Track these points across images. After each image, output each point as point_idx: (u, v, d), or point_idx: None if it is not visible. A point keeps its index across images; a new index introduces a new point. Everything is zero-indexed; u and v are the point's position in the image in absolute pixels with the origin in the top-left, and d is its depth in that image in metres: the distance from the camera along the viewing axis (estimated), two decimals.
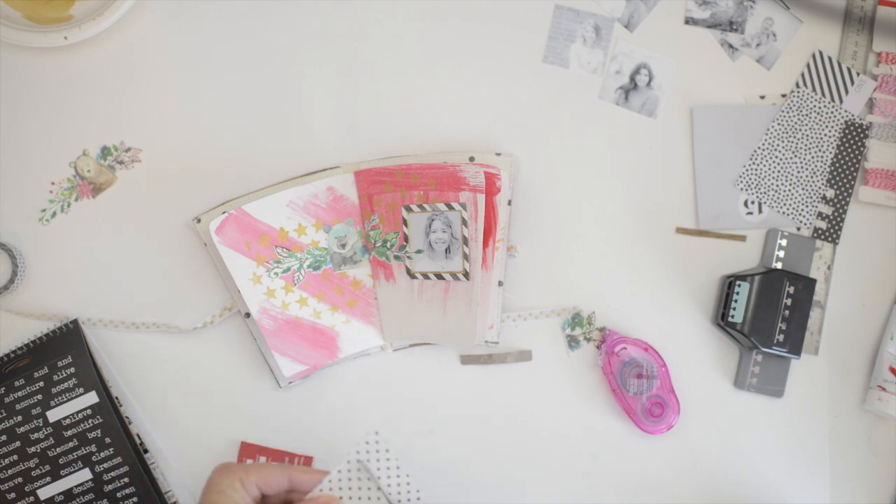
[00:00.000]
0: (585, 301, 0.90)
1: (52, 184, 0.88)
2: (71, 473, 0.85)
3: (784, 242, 0.89)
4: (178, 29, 0.89)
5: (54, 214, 0.88)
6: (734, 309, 0.86)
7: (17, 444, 0.85)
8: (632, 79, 0.90)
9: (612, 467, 0.88)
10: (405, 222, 0.86)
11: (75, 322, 0.86)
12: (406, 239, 0.87)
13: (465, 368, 0.89)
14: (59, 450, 0.85)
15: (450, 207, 0.85)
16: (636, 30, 0.91)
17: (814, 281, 0.88)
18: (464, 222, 0.85)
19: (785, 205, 0.90)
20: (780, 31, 0.91)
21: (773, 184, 0.90)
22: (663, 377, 0.87)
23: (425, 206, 0.86)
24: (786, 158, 0.90)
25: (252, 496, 0.67)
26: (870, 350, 0.91)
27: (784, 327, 0.86)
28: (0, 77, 0.88)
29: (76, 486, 0.85)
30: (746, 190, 0.90)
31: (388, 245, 0.87)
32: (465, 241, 0.85)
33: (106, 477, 0.85)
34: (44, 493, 0.85)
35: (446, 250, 0.86)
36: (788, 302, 0.86)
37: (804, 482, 0.90)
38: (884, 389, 0.88)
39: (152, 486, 0.85)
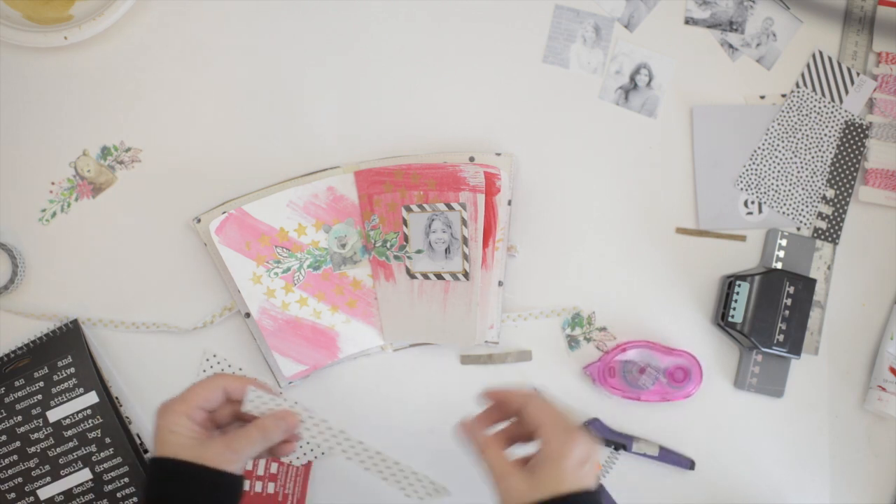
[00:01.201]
0: (585, 301, 0.90)
1: (52, 184, 0.88)
2: (71, 473, 0.85)
3: (784, 242, 0.89)
4: (177, 29, 0.89)
5: (54, 214, 0.88)
6: (734, 309, 0.86)
7: (17, 444, 0.85)
8: (632, 79, 0.90)
9: (613, 466, 0.88)
10: (405, 222, 0.86)
11: (75, 322, 0.86)
12: (406, 239, 0.87)
13: (465, 368, 0.89)
14: (59, 450, 0.85)
15: (449, 207, 0.85)
16: (636, 30, 0.91)
17: (814, 281, 0.88)
18: (463, 222, 0.85)
19: (785, 205, 0.90)
20: (780, 31, 0.91)
21: (773, 184, 0.90)
22: (661, 353, 0.87)
23: (425, 206, 0.86)
24: (786, 158, 0.90)
25: (198, 421, 0.69)
26: (870, 350, 0.91)
27: (784, 327, 0.86)
28: (0, 77, 0.88)
29: (76, 486, 0.85)
30: (746, 190, 0.90)
31: (388, 245, 0.87)
32: (465, 241, 0.85)
33: (106, 477, 0.85)
34: (44, 493, 0.85)
35: (446, 250, 0.86)
36: (788, 302, 0.86)
37: (804, 482, 0.90)
38: (884, 389, 0.88)
39: None
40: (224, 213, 0.86)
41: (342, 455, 0.72)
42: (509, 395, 0.71)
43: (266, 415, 0.70)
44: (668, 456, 0.88)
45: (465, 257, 0.86)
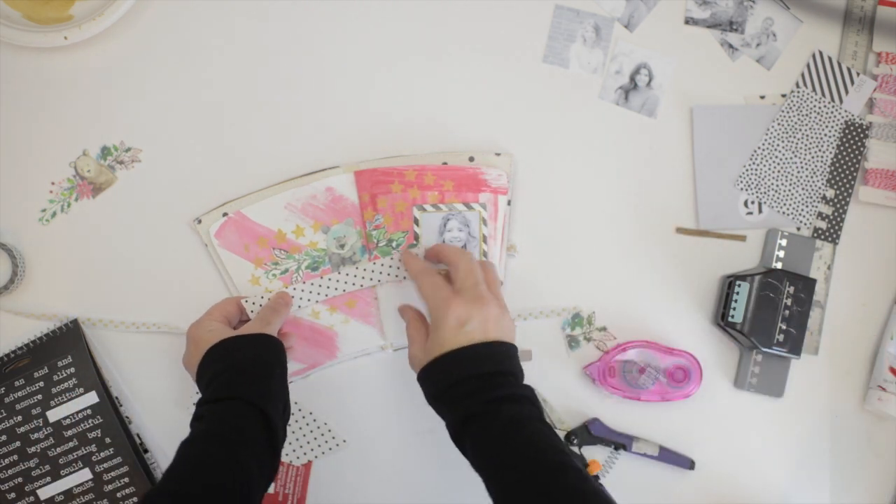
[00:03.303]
0: (585, 301, 0.90)
1: (52, 184, 0.88)
2: (71, 473, 0.85)
3: (784, 242, 0.89)
4: (177, 29, 0.89)
5: (54, 214, 0.88)
6: (734, 309, 0.86)
7: (17, 444, 0.85)
8: (632, 79, 0.90)
9: (613, 466, 0.88)
10: (416, 221, 0.87)
11: (75, 322, 0.86)
12: (416, 238, 0.87)
13: None
14: (59, 450, 0.85)
15: (469, 207, 0.86)
16: (636, 30, 0.91)
17: (814, 281, 0.88)
18: (483, 221, 0.86)
19: (785, 205, 0.90)
20: (780, 31, 0.91)
21: (773, 184, 0.90)
22: (661, 353, 0.87)
23: (441, 206, 0.86)
24: (786, 158, 0.90)
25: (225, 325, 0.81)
26: (870, 350, 0.91)
27: (784, 327, 0.86)
28: (0, 77, 0.88)
29: (76, 486, 0.85)
30: (746, 190, 0.90)
31: (395, 244, 0.87)
32: (485, 238, 0.86)
33: (106, 477, 0.85)
34: (44, 493, 0.85)
35: (462, 248, 0.86)
36: (788, 302, 0.86)
37: (804, 482, 0.90)
38: (884, 389, 0.88)
39: (152, 486, 0.85)
40: (224, 214, 0.86)
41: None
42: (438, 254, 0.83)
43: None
44: (668, 456, 0.88)
45: (484, 254, 0.86)
